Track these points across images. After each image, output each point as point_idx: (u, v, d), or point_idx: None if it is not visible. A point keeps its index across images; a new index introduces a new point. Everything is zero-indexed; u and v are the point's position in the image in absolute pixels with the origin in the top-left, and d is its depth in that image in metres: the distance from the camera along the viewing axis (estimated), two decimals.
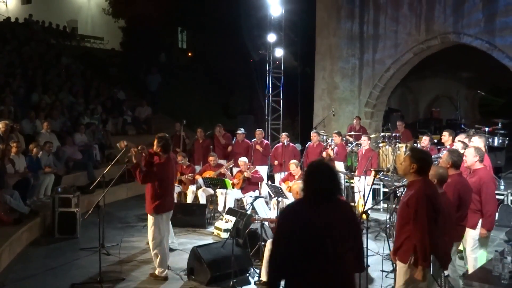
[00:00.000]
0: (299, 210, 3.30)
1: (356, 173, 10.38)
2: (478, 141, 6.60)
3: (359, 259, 3.39)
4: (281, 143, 11.42)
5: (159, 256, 6.52)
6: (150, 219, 6.53)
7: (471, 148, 5.81)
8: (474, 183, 5.48)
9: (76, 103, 14.42)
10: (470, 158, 5.62)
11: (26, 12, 24.95)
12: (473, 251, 5.58)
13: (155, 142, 6.50)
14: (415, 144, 11.52)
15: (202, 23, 21.70)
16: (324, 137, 12.01)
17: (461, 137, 7.61)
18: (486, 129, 10.83)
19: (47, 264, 7.16)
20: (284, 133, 11.73)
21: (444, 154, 5.50)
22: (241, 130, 11.78)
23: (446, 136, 8.88)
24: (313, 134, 11.42)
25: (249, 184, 9.99)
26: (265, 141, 11.99)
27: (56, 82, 15.20)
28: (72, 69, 17.14)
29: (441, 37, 12.94)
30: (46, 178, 9.91)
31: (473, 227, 5.56)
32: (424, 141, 10.20)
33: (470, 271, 5.28)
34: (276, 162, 11.25)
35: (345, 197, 9.07)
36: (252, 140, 11.69)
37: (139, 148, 6.39)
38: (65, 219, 8.48)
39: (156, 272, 6.61)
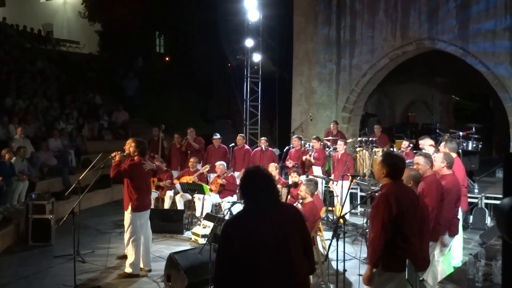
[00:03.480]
0: (242, 219, 3.22)
1: (333, 178, 10.44)
2: (449, 147, 6.70)
3: (310, 261, 3.36)
4: (259, 148, 11.42)
5: (133, 252, 6.80)
6: (126, 216, 6.87)
7: (440, 154, 5.88)
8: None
9: (51, 108, 14.20)
10: (437, 163, 5.69)
11: (0, 15, 24.50)
12: (438, 254, 5.61)
13: (133, 144, 6.89)
14: (391, 149, 11.66)
15: (180, 28, 21.63)
16: (303, 142, 12.06)
17: (428, 141, 7.65)
18: (461, 133, 11.01)
19: (21, 273, 7.02)
20: (262, 138, 11.72)
21: (419, 158, 5.54)
22: (217, 136, 11.72)
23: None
24: (294, 139, 11.45)
25: (227, 189, 9.96)
26: (246, 146, 11.97)
27: (31, 87, 14.96)
28: (47, 73, 16.88)
29: (416, 43, 13.14)
30: (20, 184, 9.73)
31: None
32: (404, 145, 10.37)
33: (438, 276, 5.33)
34: None
35: (323, 201, 9.11)
36: (231, 145, 11.68)
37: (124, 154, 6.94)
38: (39, 226, 8.34)
39: (126, 270, 6.82)
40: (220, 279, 3.14)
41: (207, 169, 10.39)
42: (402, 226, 4.11)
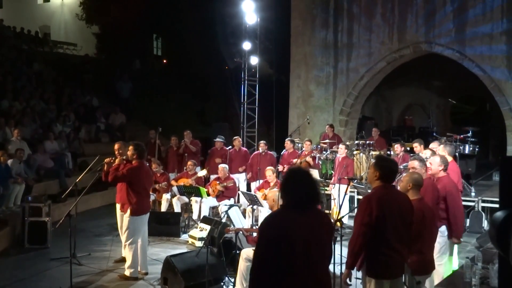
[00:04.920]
0: (282, 217, 3.27)
1: (331, 181, 10.43)
2: (447, 150, 6.74)
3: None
4: (258, 151, 11.42)
5: (131, 256, 6.78)
6: (125, 219, 6.83)
7: (437, 157, 5.89)
8: (439, 191, 5.56)
9: (48, 110, 14.17)
10: (435, 167, 5.70)
11: None
12: (438, 258, 5.60)
13: (131, 148, 6.85)
14: (388, 152, 11.67)
15: (177, 30, 21.63)
16: (299, 145, 12.06)
17: (434, 145, 7.73)
18: (458, 136, 11.02)
19: (17, 275, 6.99)
20: (262, 142, 11.68)
21: (413, 162, 5.55)
22: (220, 138, 11.69)
23: (418, 147, 9.07)
24: (286, 142, 11.45)
25: (225, 194, 9.94)
26: (244, 149, 11.98)
27: (28, 89, 14.93)
28: (44, 75, 16.85)
29: (413, 46, 13.17)
30: (16, 186, 9.70)
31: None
32: (397, 149, 10.33)
33: (435, 279, 5.32)
34: (249, 176, 11.26)
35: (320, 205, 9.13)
36: (228, 148, 11.68)
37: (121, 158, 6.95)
38: (35, 229, 8.31)
39: (126, 273, 6.81)
40: (259, 271, 3.19)
41: (204, 173, 10.39)
42: (383, 231, 4.06)
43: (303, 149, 11.43)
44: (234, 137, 11.92)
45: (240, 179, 11.26)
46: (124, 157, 6.90)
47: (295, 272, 3.12)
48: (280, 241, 3.11)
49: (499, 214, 2.00)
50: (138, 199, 6.80)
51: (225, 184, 9.84)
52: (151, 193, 9.81)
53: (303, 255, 3.12)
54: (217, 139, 11.68)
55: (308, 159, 10.64)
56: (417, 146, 9.09)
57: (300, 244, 3.12)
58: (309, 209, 3.25)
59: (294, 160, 10.74)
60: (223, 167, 10.12)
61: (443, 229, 5.56)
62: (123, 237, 6.91)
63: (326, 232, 3.31)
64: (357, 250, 4.11)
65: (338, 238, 5.52)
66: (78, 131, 14.27)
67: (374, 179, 4.27)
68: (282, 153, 11.68)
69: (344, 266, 5.87)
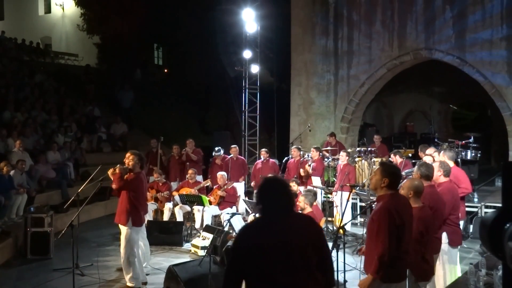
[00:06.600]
0: (255, 228, 3.21)
1: (334, 188, 10.42)
2: (447, 155, 6.74)
3: (329, 274, 3.25)
4: (260, 160, 11.42)
5: (131, 267, 6.74)
6: (124, 231, 6.80)
7: (436, 163, 5.89)
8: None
9: (50, 121, 14.20)
10: (434, 172, 5.69)
11: None
12: (440, 265, 5.57)
13: (134, 157, 6.82)
14: (390, 159, 11.64)
15: (178, 40, 21.72)
16: (302, 153, 12.04)
17: (430, 151, 7.72)
18: (459, 142, 11.00)
19: (19, 286, 6.98)
20: (263, 150, 11.68)
21: (414, 168, 5.57)
22: (218, 152, 11.63)
23: (420, 153, 9.08)
24: (293, 149, 11.44)
25: (226, 200, 9.94)
26: (241, 157, 11.97)
27: (29, 100, 14.97)
28: (45, 86, 16.90)
29: (414, 53, 13.19)
30: (18, 197, 9.70)
31: None
32: (393, 159, 10.26)
33: (438, 286, 5.29)
34: (253, 183, 11.24)
35: (322, 212, 9.09)
36: (230, 156, 11.67)
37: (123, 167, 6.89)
38: (37, 240, 8.30)
39: (129, 284, 6.77)
40: (230, 283, 3.11)
41: (208, 184, 10.38)
42: (401, 238, 4.10)
43: (305, 156, 11.42)
44: (232, 146, 11.91)
45: (238, 188, 11.22)
46: (125, 167, 6.87)
47: (268, 281, 3.00)
48: (251, 251, 3.03)
49: (489, 215, 2.01)
50: (140, 209, 6.84)
51: (224, 187, 9.84)
52: (153, 202, 9.87)
53: (278, 263, 3.00)
54: (216, 154, 11.61)
55: (307, 167, 10.62)
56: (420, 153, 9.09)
57: (274, 252, 3.01)
58: (283, 217, 3.14)
59: (301, 170, 10.72)
60: (221, 174, 10.14)
61: (443, 236, 5.54)
62: (123, 249, 6.83)
63: (309, 234, 3.13)
64: (387, 260, 4.06)
65: (341, 246, 5.48)
66: (80, 141, 14.28)
67: (382, 186, 4.24)
68: (285, 160, 11.65)
69: (346, 273, 5.86)
